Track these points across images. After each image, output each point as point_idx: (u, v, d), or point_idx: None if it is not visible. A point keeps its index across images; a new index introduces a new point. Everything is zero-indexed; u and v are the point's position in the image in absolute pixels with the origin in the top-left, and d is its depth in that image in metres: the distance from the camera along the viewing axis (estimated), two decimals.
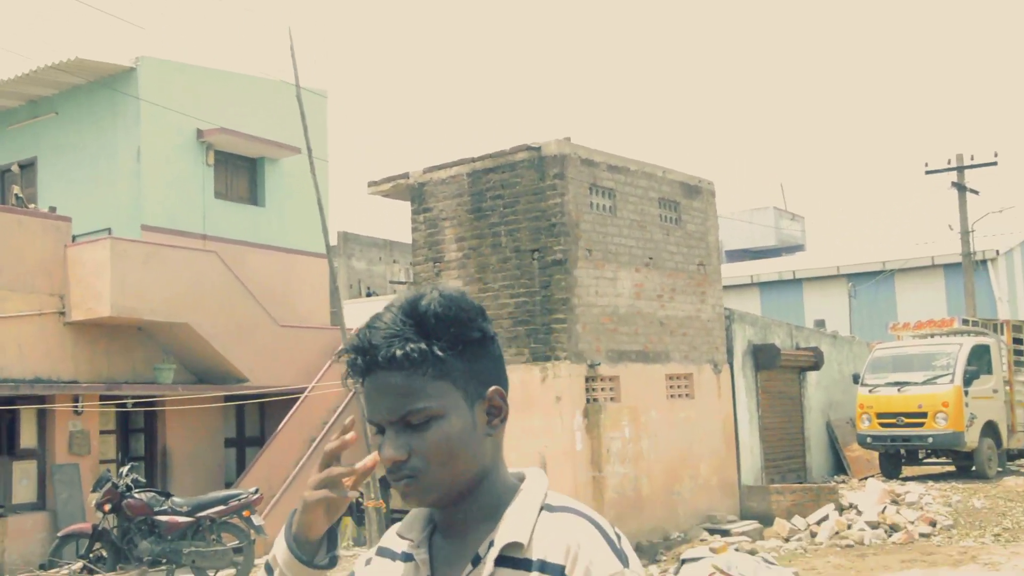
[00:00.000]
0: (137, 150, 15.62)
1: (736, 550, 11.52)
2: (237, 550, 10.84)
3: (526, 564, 1.39)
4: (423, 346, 1.41)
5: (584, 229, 12.69)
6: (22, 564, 12.62)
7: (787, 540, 12.90)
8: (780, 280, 31.34)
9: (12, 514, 12.96)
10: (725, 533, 13.30)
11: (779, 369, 16.92)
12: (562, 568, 1.37)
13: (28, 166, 17.05)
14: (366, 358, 1.43)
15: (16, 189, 14.84)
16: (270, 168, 17.97)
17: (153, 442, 15.22)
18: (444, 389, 1.43)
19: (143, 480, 11.45)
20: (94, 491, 10.98)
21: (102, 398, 14.17)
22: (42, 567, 12.29)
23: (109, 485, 10.90)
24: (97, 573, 10.87)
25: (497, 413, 1.50)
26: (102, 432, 14.49)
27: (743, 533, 13.29)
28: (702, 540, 13.09)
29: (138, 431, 15.36)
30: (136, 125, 15.69)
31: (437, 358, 1.42)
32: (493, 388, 1.48)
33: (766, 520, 13.85)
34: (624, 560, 1.39)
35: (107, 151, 16.03)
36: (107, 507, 10.84)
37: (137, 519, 10.91)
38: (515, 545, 1.40)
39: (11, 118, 17.26)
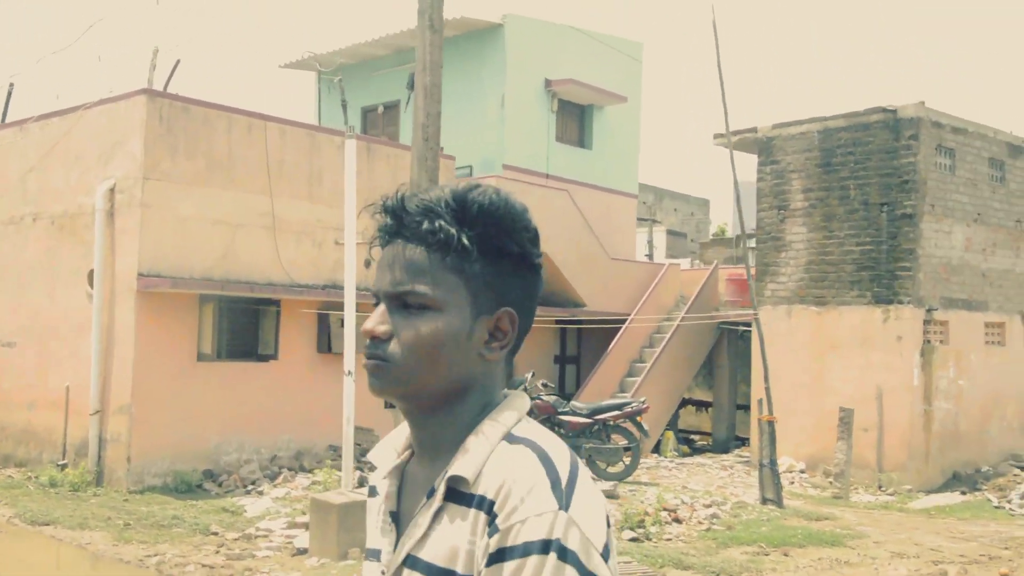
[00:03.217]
0: (502, 97, 17.79)
1: None
2: (626, 449, 12.91)
3: (469, 500, 1.27)
4: (453, 230, 1.31)
5: (930, 186, 13.90)
6: None
7: None
8: None
9: None
10: None
11: None
12: (492, 503, 1.24)
13: (391, 108, 19.55)
14: (394, 221, 1.35)
15: None
16: (596, 114, 19.86)
17: None
18: (454, 285, 1.32)
19: (551, 385, 13.68)
20: None
21: None
22: None
23: (521, 389, 13.15)
24: None
25: (501, 336, 1.35)
26: None
27: None
28: (1014, 475, 14.30)
29: None
30: (502, 75, 17.84)
31: (461, 247, 1.31)
32: (505, 310, 1.34)
33: None
34: (564, 501, 1.22)
35: (472, 97, 18.25)
36: None
37: (542, 417, 13.14)
38: (461, 479, 1.27)
39: (377, 65, 19.73)
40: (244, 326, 13.58)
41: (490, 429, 1.32)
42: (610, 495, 11.50)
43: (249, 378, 13.33)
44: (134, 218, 12.44)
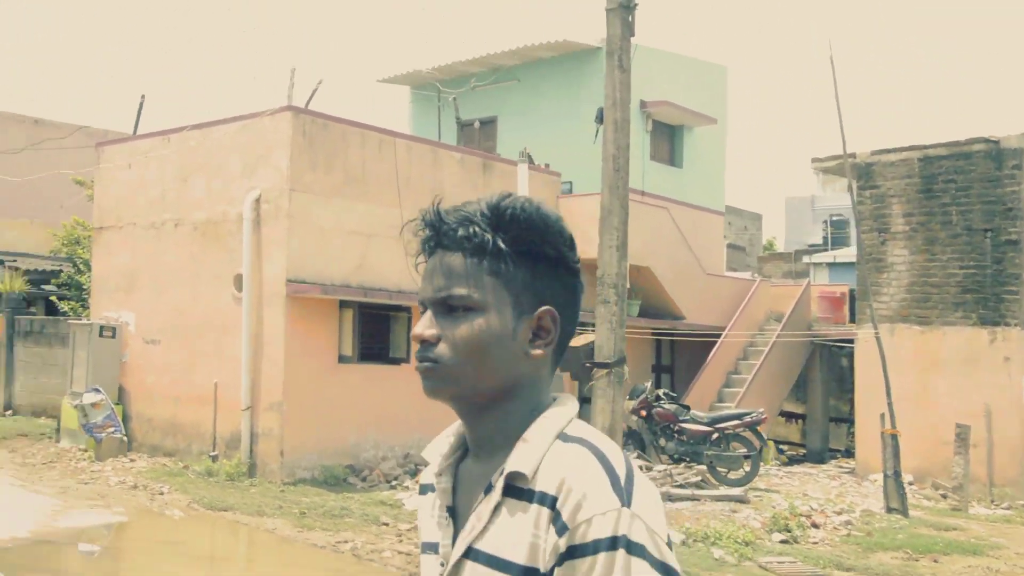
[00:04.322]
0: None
1: None
2: (745, 456, 13.56)
3: (529, 495, 1.32)
4: (488, 235, 1.38)
5: None
6: None
7: None
8: None
9: None
10: None
11: None
12: (554, 500, 1.29)
13: (488, 123, 20.33)
14: (434, 233, 1.42)
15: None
16: (687, 135, 20.61)
17: None
18: (494, 287, 1.38)
19: (673, 394, 14.38)
20: (630, 399, 13.92)
21: None
22: None
23: (643, 396, 13.85)
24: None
25: (544, 335, 1.41)
26: None
27: None
28: None
29: None
30: (601, 93, 18.57)
31: (497, 250, 1.38)
32: (545, 308, 1.41)
33: None
34: (625, 498, 1.27)
35: (572, 117, 19.04)
36: (642, 412, 13.81)
37: (663, 424, 13.84)
38: (519, 475, 1.33)
39: (468, 82, 20.50)
40: (378, 331, 14.35)
41: (544, 428, 1.37)
42: (741, 500, 12.17)
43: (383, 379, 14.09)
44: (281, 227, 13.25)
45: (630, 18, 10.96)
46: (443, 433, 1.52)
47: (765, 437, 13.84)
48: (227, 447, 13.58)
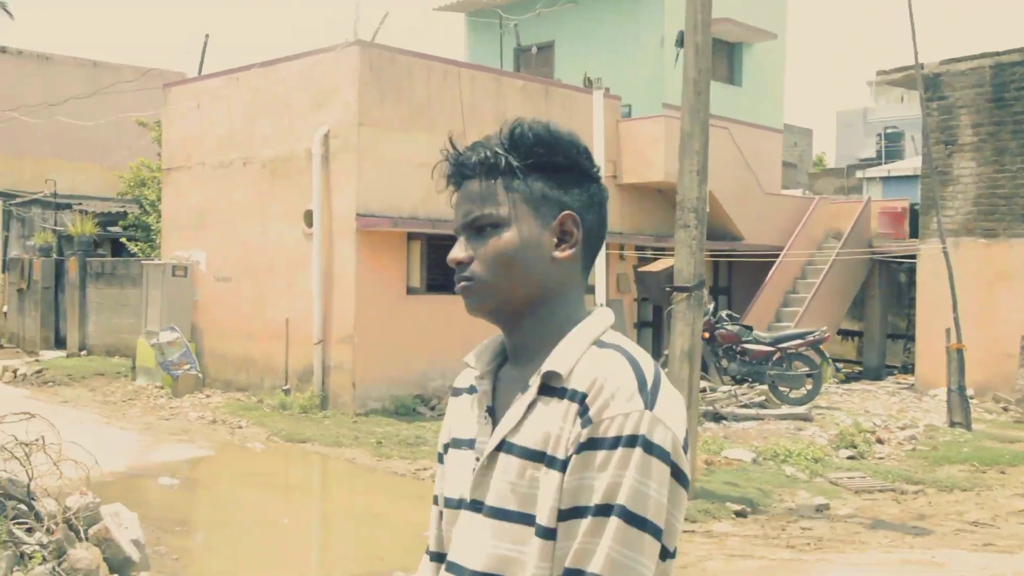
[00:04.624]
0: (661, 38, 18.35)
1: None
2: (807, 375, 13.67)
3: (562, 392, 1.42)
4: (501, 157, 1.48)
5: None
6: None
7: None
8: None
9: None
10: None
11: None
12: (584, 396, 1.39)
13: (545, 48, 20.22)
14: (455, 167, 1.53)
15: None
16: (746, 52, 20.31)
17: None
18: (514, 201, 1.48)
19: (735, 315, 14.49)
20: None
21: (637, 248, 17.35)
22: None
23: (707, 317, 13.94)
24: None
25: (568, 238, 1.51)
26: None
27: None
28: None
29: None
30: (660, 15, 18.42)
31: (510, 168, 1.48)
32: (566, 213, 1.50)
33: None
34: (649, 401, 1.37)
35: (630, 38, 18.87)
36: (705, 334, 13.90)
37: (726, 345, 13.98)
38: (555, 375, 1.43)
39: (531, 6, 20.37)
40: (444, 262, 14.56)
41: (580, 334, 1.47)
42: (805, 418, 12.33)
43: (450, 310, 14.30)
44: (350, 162, 13.44)
45: None
46: (486, 341, 1.62)
47: (827, 355, 13.91)
48: (299, 381, 14.01)
